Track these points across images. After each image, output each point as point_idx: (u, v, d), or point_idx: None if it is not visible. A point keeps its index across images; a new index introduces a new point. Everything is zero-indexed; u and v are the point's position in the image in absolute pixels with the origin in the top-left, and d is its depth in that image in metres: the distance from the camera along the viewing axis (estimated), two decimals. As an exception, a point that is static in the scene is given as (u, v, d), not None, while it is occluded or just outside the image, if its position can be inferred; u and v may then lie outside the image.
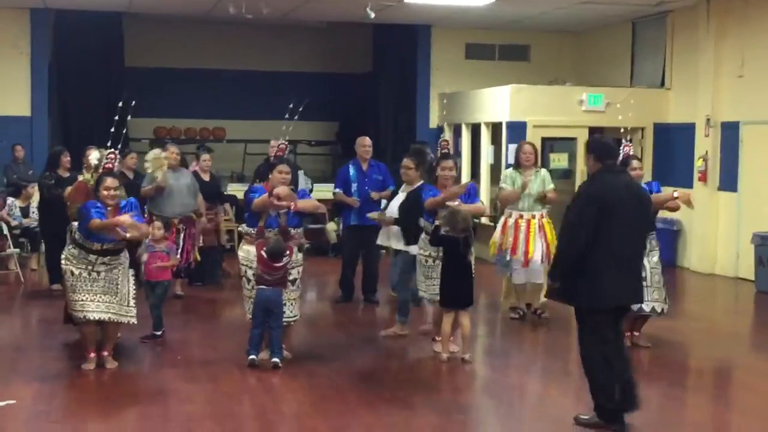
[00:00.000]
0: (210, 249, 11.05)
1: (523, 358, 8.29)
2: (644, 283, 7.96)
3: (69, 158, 10.39)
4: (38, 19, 14.46)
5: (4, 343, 8.34)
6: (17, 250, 11.98)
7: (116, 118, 7.68)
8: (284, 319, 7.43)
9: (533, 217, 9.13)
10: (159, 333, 8.21)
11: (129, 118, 8.15)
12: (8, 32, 14.27)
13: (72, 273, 7.19)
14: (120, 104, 7.91)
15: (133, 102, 7.96)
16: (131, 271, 7.47)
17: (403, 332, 8.49)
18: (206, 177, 11.18)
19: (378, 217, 8.87)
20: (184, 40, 17.90)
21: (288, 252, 7.26)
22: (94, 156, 8.23)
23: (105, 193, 7.15)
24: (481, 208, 8.51)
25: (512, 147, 13.53)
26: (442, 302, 7.63)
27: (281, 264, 7.23)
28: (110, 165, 7.57)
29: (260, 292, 7.27)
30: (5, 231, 11.75)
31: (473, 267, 7.63)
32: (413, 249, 8.17)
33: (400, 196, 8.56)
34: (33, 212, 12.24)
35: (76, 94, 15.78)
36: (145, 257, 8.17)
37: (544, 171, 9.38)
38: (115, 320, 7.26)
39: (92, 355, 7.27)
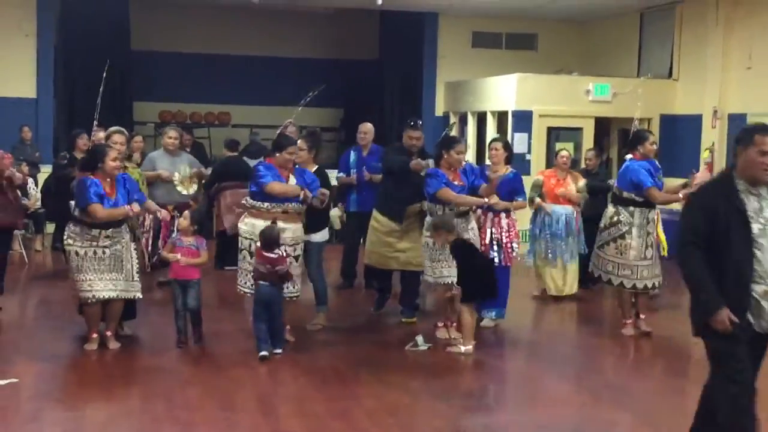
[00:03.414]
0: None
1: (525, 344, 8.28)
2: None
3: (86, 141, 10.40)
4: (44, 1, 14.45)
5: (7, 323, 8.37)
6: (22, 231, 11.97)
7: (101, 89, 7.71)
8: (285, 295, 7.35)
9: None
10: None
11: (101, 89, 8.05)
12: (14, 14, 14.27)
13: (77, 253, 7.16)
14: (104, 74, 7.90)
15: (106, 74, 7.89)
16: (133, 245, 7.47)
17: (326, 322, 8.29)
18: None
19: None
20: (190, 24, 17.87)
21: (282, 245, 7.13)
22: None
23: (113, 164, 7.15)
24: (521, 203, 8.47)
25: (518, 136, 13.60)
26: (465, 297, 7.45)
27: (273, 256, 7.02)
28: (94, 140, 7.61)
29: (260, 288, 7.14)
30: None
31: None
32: (315, 237, 8.03)
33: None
34: (30, 189, 12.22)
35: (81, 77, 15.75)
36: (171, 254, 7.47)
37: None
38: (122, 297, 7.29)
39: (95, 335, 7.28)
